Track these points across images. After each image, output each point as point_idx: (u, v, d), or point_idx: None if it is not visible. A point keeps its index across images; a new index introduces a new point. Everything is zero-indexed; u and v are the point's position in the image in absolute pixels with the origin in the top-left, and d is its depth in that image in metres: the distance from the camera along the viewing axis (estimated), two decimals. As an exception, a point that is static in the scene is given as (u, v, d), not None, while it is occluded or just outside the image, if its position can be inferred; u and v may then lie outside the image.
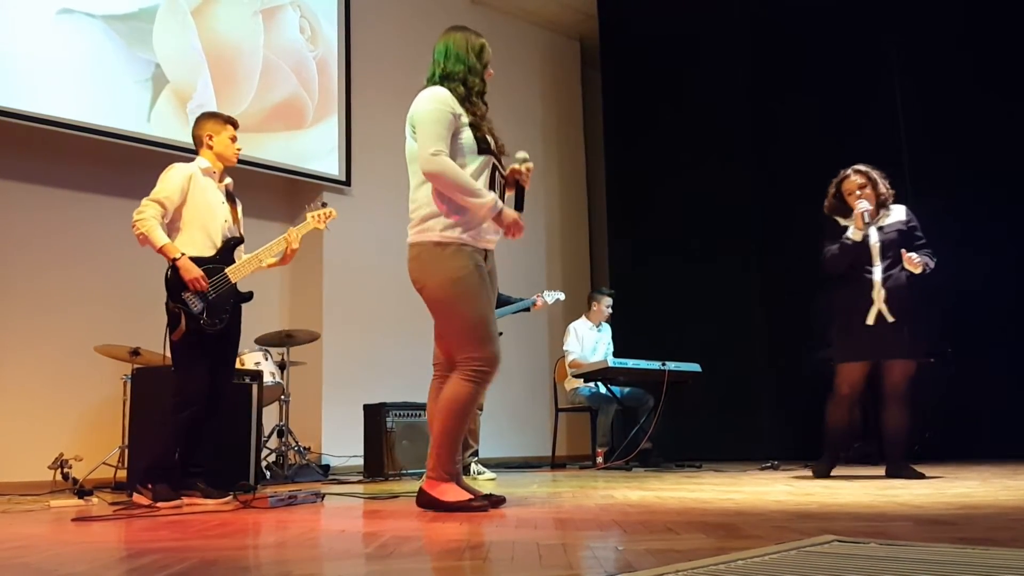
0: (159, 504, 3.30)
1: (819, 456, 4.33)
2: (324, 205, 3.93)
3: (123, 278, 5.68)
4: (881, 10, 6.31)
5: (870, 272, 4.07)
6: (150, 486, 3.40)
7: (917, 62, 6.10)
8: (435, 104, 2.83)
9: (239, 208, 3.83)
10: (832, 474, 4.23)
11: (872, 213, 4.13)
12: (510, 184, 3.03)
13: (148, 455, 3.59)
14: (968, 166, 5.81)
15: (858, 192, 4.15)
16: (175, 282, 3.47)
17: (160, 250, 3.47)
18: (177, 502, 3.36)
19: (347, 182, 6.85)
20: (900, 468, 3.98)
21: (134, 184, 5.80)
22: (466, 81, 2.91)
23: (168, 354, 3.56)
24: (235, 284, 3.65)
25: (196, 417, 3.50)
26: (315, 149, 6.73)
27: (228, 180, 3.80)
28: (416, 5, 7.51)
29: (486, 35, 3.09)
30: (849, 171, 4.25)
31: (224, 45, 6.26)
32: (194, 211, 3.59)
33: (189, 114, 5.88)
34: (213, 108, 6.05)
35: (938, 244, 5.80)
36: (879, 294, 4.03)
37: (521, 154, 3.02)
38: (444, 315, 2.86)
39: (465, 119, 2.85)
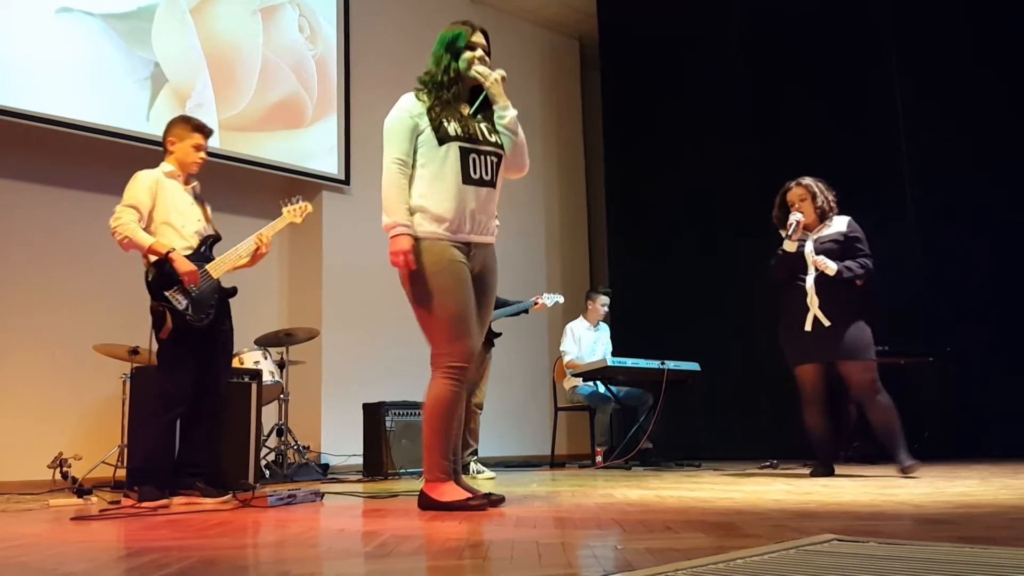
0: (143, 504, 3.26)
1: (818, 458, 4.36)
2: (298, 200, 3.96)
3: (122, 277, 5.65)
4: (879, 7, 6.31)
5: (803, 280, 4.23)
6: (136, 488, 3.40)
7: (916, 58, 6.10)
8: (395, 113, 2.94)
9: (208, 209, 3.81)
10: (832, 474, 4.23)
11: (811, 224, 4.30)
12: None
13: (135, 457, 3.58)
14: (968, 161, 5.81)
15: (797, 204, 4.32)
16: (157, 280, 3.46)
17: (149, 249, 3.46)
18: (164, 502, 3.33)
19: (346, 181, 6.85)
20: (903, 462, 3.98)
21: (133, 183, 5.82)
22: (433, 75, 2.96)
23: (154, 355, 3.54)
24: (218, 280, 3.64)
25: (183, 417, 3.49)
26: (314, 148, 6.73)
27: (195, 183, 3.77)
28: (415, 4, 7.51)
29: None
30: (792, 184, 4.40)
31: (223, 44, 6.26)
32: (165, 214, 3.58)
33: (188, 113, 5.87)
34: (212, 107, 6.07)
35: (937, 242, 5.83)
36: (813, 301, 4.19)
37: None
38: (418, 308, 2.86)
39: (424, 119, 2.88)
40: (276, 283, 6.73)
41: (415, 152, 2.89)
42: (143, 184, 3.57)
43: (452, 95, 2.93)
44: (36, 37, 5.35)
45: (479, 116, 2.98)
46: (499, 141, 2.96)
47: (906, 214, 6.05)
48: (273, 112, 6.50)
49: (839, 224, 4.29)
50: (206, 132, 3.76)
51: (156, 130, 5.73)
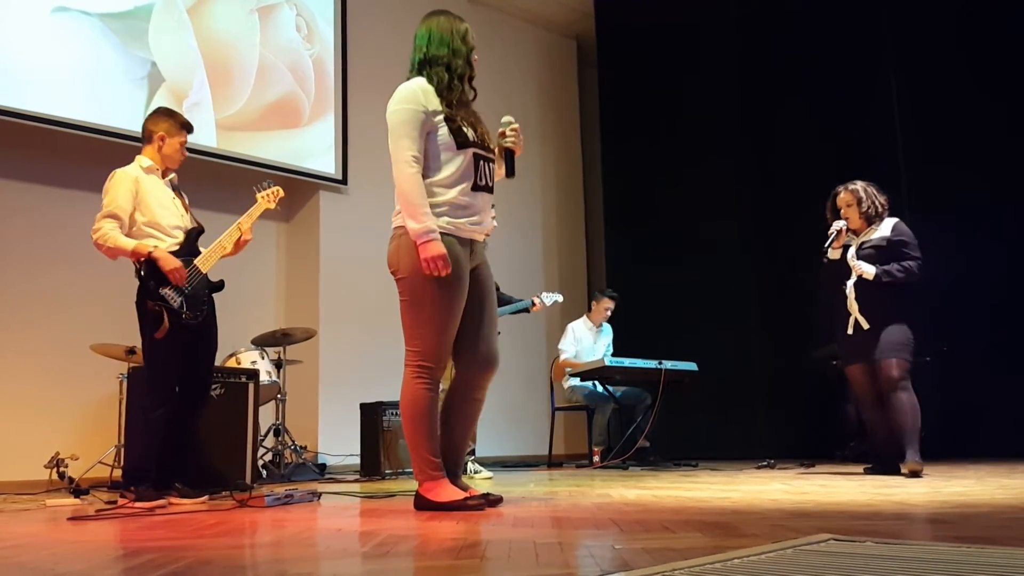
0: (139, 505, 3.25)
1: (822, 457, 4.39)
2: (270, 185, 3.95)
3: (119, 277, 5.62)
4: (877, 14, 6.32)
5: (845, 286, 4.27)
6: (132, 489, 3.39)
7: (913, 65, 6.12)
8: (403, 105, 2.81)
9: (186, 200, 3.80)
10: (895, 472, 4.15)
11: (859, 228, 4.31)
12: (500, 153, 2.99)
13: (128, 458, 3.57)
14: (964, 166, 5.83)
15: (844, 210, 4.32)
16: (151, 279, 3.45)
17: (132, 252, 3.46)
18: (161, 502, 3.32)
19: (343, 180, 6.85)
20: (907, 460, 3.97)
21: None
22: (450, 65, 2.86)
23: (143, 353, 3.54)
24: (206, 274, 3.64)
25: (172, 415, 3.48)
26: (311, 148, 6.72)
27: (172, 175, 3.77)
28: (412, 4, 7.49)
29: (483, 34, 3.08)
30: (840, 188, 4.39)
31: (220, 43, 6.25)
32: (148, 214, 3.57)
33: (185, 113, 5.83)
34: (209, 107, 6.06)
35: (935, 243, 5.83)
36: (853, 306, 4.23)
37: (506, 119, 2.97)
38: (408, 302, 2.82)
39: (440, 114, 2.82)
40: (273, 283, 6.73)
41: (427, 149, 2.82)
42: (123, 187, 3.53)
43: (462, 95, 2.88)
44: (32, 36, 5.33)
45: (473, 118, 2.96)
46: (492, 147, 2.97)
47: (903, 216, 6.05)
48: (270, 112, 6.49)
49: (884, 228, 4.27)
50: (190, 130, 3.79)
51: (153, 130, 5.76)
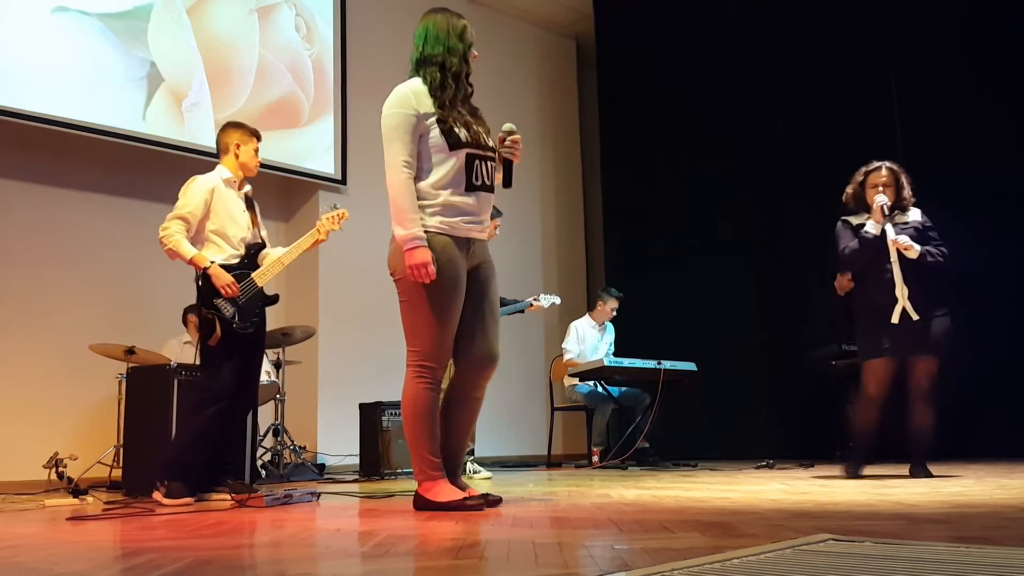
0: (167, 502, 3.33)
1: (822, 457, 4.33)
2: (336, 207, 4.03)
3: (118, 277, 5.67)
4: (877, 13, 6.32)
5: (890, 270, 3.98)
6: (167, 482, 3.43)
7: (913, 64, 6.11)
8: (394, 109, 2.83)
9: (258, 213, 3.93)
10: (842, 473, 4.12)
11: (888, 208, 4.08)
12: (499, 161, 2.97)
13: (168, 451, 3.61)
14: (965, 165, 5.82)
15: (882, 188, 4.06)
16: (207, 289, 3.58)
17: (190, 261, 3.59)
18: (187, 500, 3.38)
19: (343, 181, 6.85)
20: (921, 469, 3.93)
21: (128, 183, 5.81)
22: (444, 63, 2.86)
23: (199, 355, 3.69)
24: (261, 288, 3.77)
25: (222, 415, 3.55)
26: (311, 148, 6.72)
27: (248, 187, 3.90)
28: (412, 4, 7.48)
29: (482, 35, 3.07)
30: (882, 165, 4.13)
31: (219, 44, 6.25)
32: (218, 223, 3.70)
33: (184, 113, 5.87)
34: (208, 107, 6.06)
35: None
36: (902, 291, 3.95)
37: (507, 127, 2.95)
38: (406, 303, 2.83)
39: (432, 116, 2.81)
40: (272, 283, 6.70)
41: (420, 152, 2.83)
42: (199, 192, 3.67)
43: (457, 94, 2.88)
44: (32, 36, 5.33)
45: (473, 117, 2.96)
46: (494, 146, 2.95)
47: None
48: (269, 112, 6.49)
49: (915, 214, 4.10)
50: (260, 137, 3.93)
51: (152, 130, 5.76)
